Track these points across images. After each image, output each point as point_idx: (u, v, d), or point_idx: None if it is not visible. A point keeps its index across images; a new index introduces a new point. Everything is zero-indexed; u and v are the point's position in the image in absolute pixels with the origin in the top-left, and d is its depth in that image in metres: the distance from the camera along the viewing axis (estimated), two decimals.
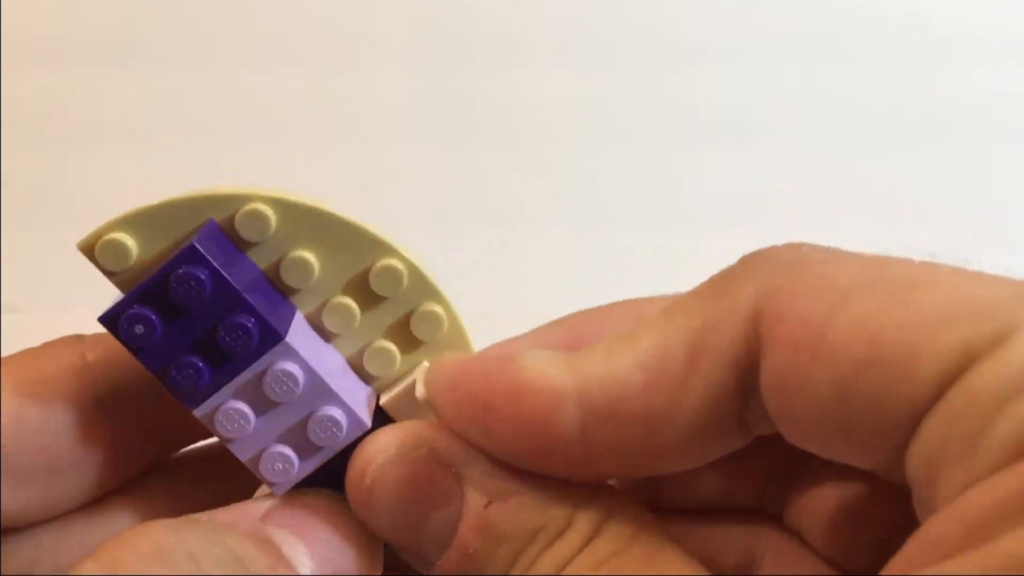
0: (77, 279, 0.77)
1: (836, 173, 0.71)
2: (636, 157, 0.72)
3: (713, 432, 0.17)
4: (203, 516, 0.20)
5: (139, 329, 0.20)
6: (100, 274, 0.23)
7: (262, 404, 0.20)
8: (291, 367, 0.20)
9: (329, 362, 0.21)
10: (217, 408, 0.20)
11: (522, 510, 0.17)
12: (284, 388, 0.20)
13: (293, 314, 0.21)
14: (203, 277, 0.20)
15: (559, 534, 0.16)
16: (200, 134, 0.72)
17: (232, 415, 0.20)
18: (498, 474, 0.17)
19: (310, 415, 0.20)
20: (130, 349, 0.20)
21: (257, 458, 0.20)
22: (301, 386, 0.20)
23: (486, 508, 0.17)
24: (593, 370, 0.17)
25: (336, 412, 0.20)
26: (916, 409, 0.15)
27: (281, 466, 0.20)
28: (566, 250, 0.74)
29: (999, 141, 0.71)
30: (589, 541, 0.16)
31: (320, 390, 0.20)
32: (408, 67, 0.71)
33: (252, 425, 0.20)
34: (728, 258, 0.68)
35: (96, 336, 0.23)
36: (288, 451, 0.20)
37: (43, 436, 0.21)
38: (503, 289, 0.74)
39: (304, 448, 0.21)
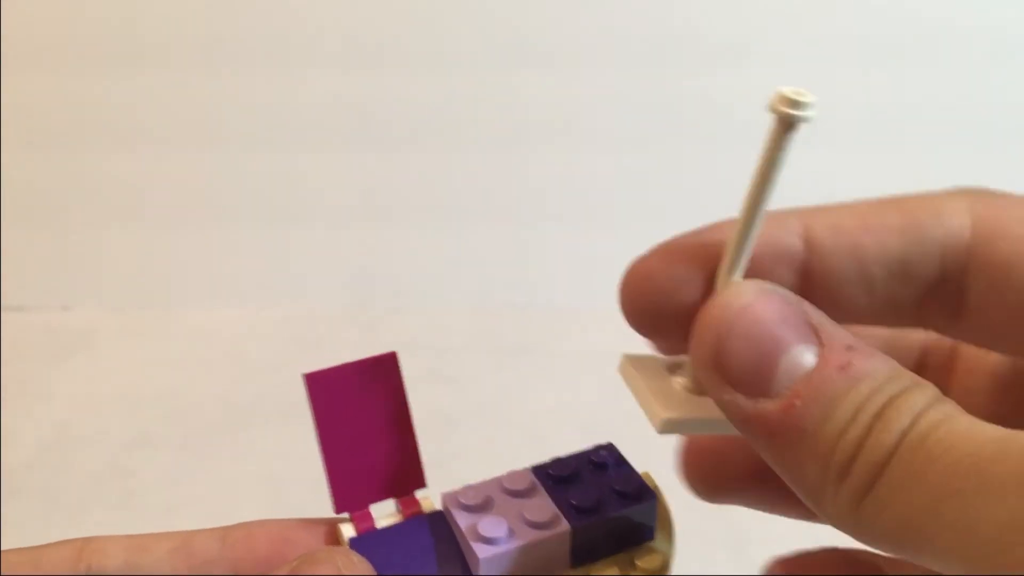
0: (77, 279, 0.77)
1: (837, 174, 0.71)
2: (639, 158, 0.72)
3: (900, 295, 0.21)
4: None
5: None
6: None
7: None
8: None
9: None
10: None
11: (879, 359, 0.18)
12: None
13: None
14: None
15: (909, 388, 0.18)
16: (200, 135, 0.72)
17: None
18: (847, 331, 0.19)
19: None
20: None
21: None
22: None
23: (847, 350, 0.18)
24: (820, 217, 0.21)
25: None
26: None
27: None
28: (572, 248, 0.74)
29: (1005, 143, 0.71)
30: (935, 402, 0.18)
31: None
32: (409, 69, 0.71)
33: None
34: None
35: (100, 544, 0.23)
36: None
37: None
38: (507, 287, 0.74)
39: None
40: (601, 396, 0.57)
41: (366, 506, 0.24)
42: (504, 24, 0.70)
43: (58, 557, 0.22)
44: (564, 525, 0.23)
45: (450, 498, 0.23)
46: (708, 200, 0.72)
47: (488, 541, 0.22)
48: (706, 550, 0.51)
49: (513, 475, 0.24)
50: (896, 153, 0.71)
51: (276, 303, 0.73)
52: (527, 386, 0.64)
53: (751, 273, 0.20)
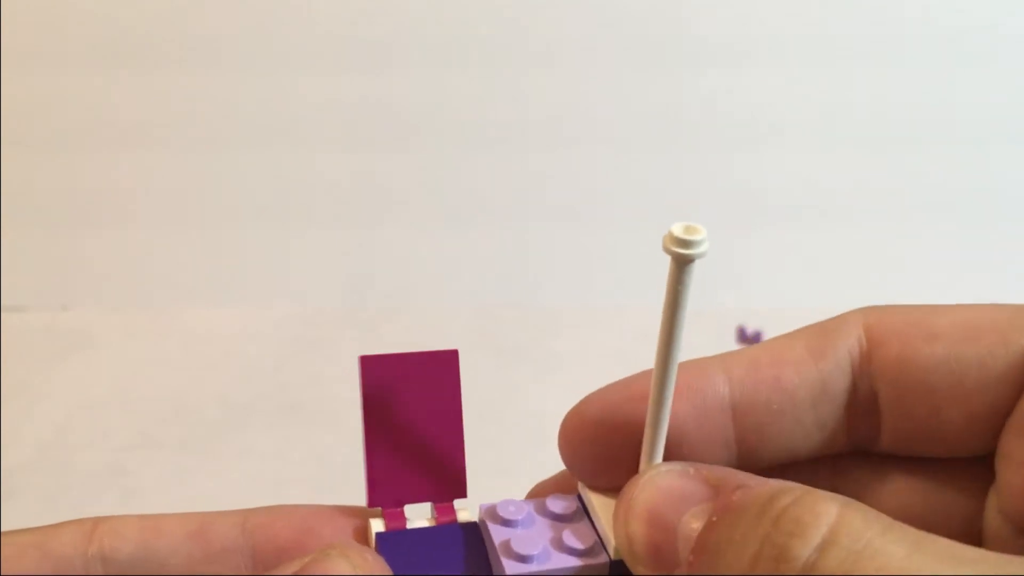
0: (77, 279, 0.77)
1: (837, 174, 0.71)
2: (639, 158, 0.72)
3: (825, 417, 0.22)
4: None
5: None
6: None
7: None
8: None
9: None
10: None
11: (759, 489, 0.19)
12: None
13: None
14: None
15: (797, 497, 0.18)
16: (199, 135, 0.72)
17: None
18: (741, 475, 0.20)
19: None
20: None
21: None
22: None
23: (732, 495, 0.19)
24: (737, 359, 0.22)
25: None
26: (1014, 371, 0.20)
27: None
28: (572, 248, 0.74)
29: (1004, 143, 0.71)
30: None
31: None
32: (409, 69, 0.71)
33: None
34: (733, 258, 0.68)
35: (113, 525, 0.22)
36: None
37: None
38: (507, 287, 0.74)
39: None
40: None
41: (401, 505, 0.22)
42: (505, 24, 0.70)
43: (67, 539, 0.21)
44: (603, 557, 0.21)
45: (488, 510, 0.22)
46: (708, 200, 0.72)
47: (519, 559, 0.21)
48: None
49: (559, 498, 0.23)
50: (896, 153, 0.71)
51: (276, 303, 0.73)
52: (527, 386, 0.64)
53: (690, 429, 0.21)
